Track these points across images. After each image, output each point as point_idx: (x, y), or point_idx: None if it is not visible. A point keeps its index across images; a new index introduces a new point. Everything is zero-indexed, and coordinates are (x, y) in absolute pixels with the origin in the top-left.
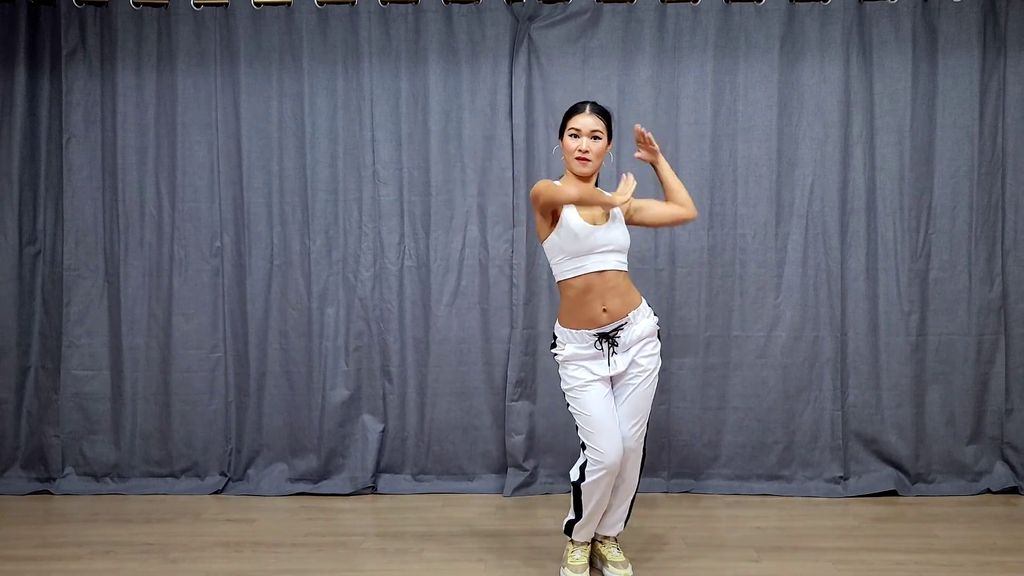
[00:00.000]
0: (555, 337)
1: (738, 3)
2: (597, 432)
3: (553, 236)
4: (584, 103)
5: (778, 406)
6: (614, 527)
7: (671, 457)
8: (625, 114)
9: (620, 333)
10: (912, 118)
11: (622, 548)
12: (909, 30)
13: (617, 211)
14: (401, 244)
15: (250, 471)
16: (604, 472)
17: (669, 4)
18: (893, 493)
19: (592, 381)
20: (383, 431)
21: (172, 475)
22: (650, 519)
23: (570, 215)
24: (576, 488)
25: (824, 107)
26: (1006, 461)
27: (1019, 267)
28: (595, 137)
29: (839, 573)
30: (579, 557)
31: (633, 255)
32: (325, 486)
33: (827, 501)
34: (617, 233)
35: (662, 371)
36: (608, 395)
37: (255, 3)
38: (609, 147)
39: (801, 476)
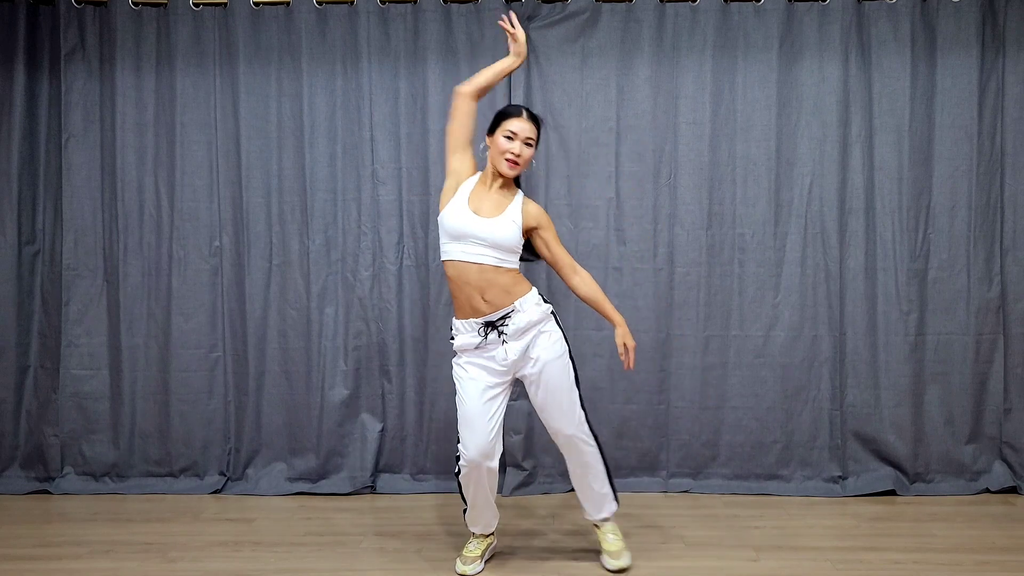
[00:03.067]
0: (451, 328)
1: (737, 3)
2: (464, 426)
3: (446, 209)
4: (520, 107)
5: (777, 406)
6: (598, 511)
7: (669, 457)
8: (624, 114)
9: (508, 321)
10: (911, 118)
11: (620, 535)
12: (908, 30)
13: (516, 213)
14: (400, 244)
15: (249, 470)
16: (468, 467)
17: (668, 4)
18: (892, 493)
19: (477, 377)
20: (382, 430)
21: (171, 474)
22: (649, 519)
23: (461, 194)
24: (456, 478)
25: (823, 107)
26: (1004, 460)
27: (1018, 267)
28: (528, 144)
29: (838, 573)
30: (472, 548)
31: (632, 255)
32: (324, 485)
33: (826, 501)
34: (501, 232)
35: (660, 371)
36: (491, 396)
37: (254, 3)
38: (533, 155)
39: (800, 476)
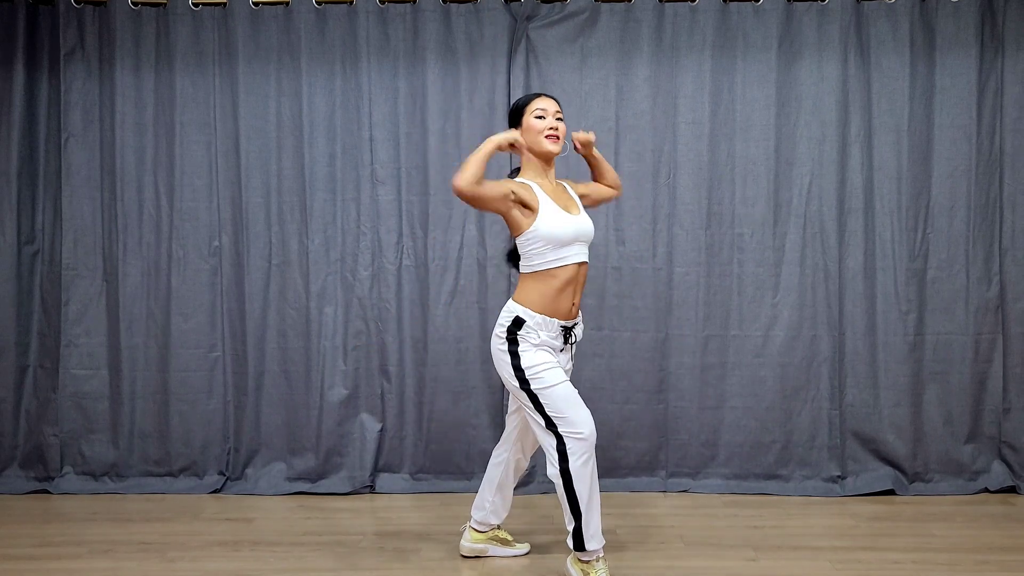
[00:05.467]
0: (518, 321)
1: (736, 3)
2: (569, 408)
3: (536, 226)
4: (536, 93)
5: (776, 405)
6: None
7: (669, 456)
8: (623, 113)
9: (575, 330)
10: (910, 118)
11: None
12: (907, 30)
13: (578, 199)
14: (399, 243)
15: (248, 470)
16: (587, 450)
17: (667, 4)
18: (891, 492)
19: (557, 361)
20: (381, 430)
21: (170, 474)
22: (648, 518)
23: (545, 204)
24: (566, 478)
25: (822, 106)
26: (1003, 460)
27: (1017, 266)
28: (559, 119)
29: (837, 572)
30: None
31: (631, 255)
32: (323, 485)
33: (825, 500)
34: (589, 225)
35: (659, 370)
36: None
37: (253, 3)
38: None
39: (799, 475)
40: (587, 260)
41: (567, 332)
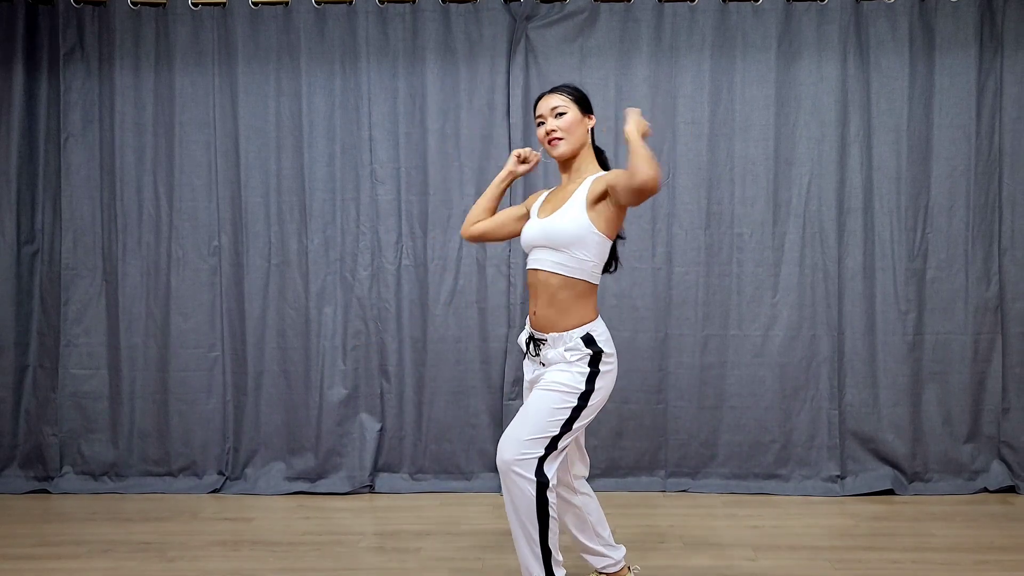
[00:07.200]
0: None
1: (735, 3)
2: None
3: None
4: (542, 93)
5: (775, 405)
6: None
7: (668, 456)
8: (623, 114)
9: (543, 346)
10: (909, 117)
11: None
12: (906, 29)
13: (583, 190)
14: (399, 243)
15: (248, 470)
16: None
17: (666, 4)
18: (890, 492)
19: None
20: (381, 430)
21: (170, 474)
22: (647, 518)
23: (533, 211)
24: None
25: (821, 106)
26: (1003, 460)
27: (1016, 266)
28: (558, 114)
29: (836, 572)
30: None
31: (630, 254)
32: (323, 485)
33: (824, 500)
34: (559, 222)
35: (659, 370)
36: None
37: (252, 2)
38: (589, 120)
39: (798, 475)
40: (549, 270)
41: (533, 342)
